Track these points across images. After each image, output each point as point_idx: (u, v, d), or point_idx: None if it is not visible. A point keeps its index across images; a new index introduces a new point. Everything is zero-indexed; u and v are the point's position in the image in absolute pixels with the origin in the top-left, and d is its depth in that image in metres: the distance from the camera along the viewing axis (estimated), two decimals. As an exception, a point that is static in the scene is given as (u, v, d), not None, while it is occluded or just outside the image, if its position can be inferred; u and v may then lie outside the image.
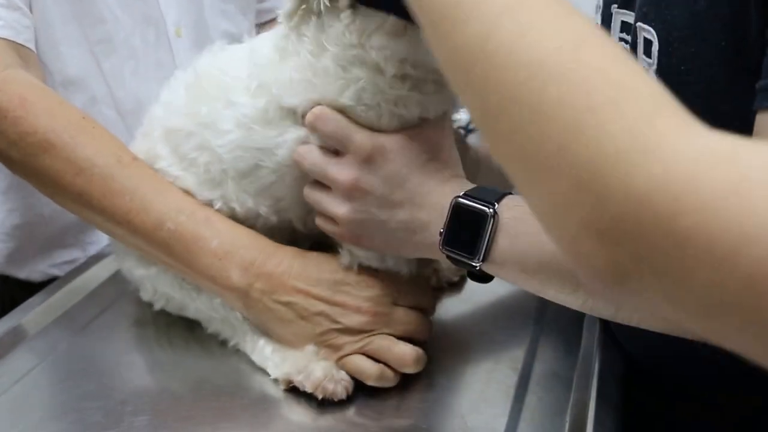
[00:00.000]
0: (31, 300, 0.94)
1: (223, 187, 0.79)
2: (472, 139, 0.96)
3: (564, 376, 0.78)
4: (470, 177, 0.73)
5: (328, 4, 0.67)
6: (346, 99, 0.69)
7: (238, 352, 0.83)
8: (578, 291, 0.63)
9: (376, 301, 0.75)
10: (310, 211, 0.78)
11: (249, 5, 1.28)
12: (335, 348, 0.75)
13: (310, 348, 0.78)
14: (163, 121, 0.82)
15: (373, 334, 0.75)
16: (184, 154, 0.80)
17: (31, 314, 0.90)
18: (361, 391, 0.76)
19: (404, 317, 0.77)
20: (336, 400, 0.74)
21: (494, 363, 0.81)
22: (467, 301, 0.91)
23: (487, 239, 0.64)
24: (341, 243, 0.76)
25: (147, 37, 1.11)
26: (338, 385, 0.75)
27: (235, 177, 0.78)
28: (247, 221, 0.81)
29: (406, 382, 0.78)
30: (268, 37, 0.76)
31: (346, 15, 0.67)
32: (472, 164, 0.86)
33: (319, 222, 0.76)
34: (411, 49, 0.66)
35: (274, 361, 0.79)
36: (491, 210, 0.64)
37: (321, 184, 0.73)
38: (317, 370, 0.75)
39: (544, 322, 0.87)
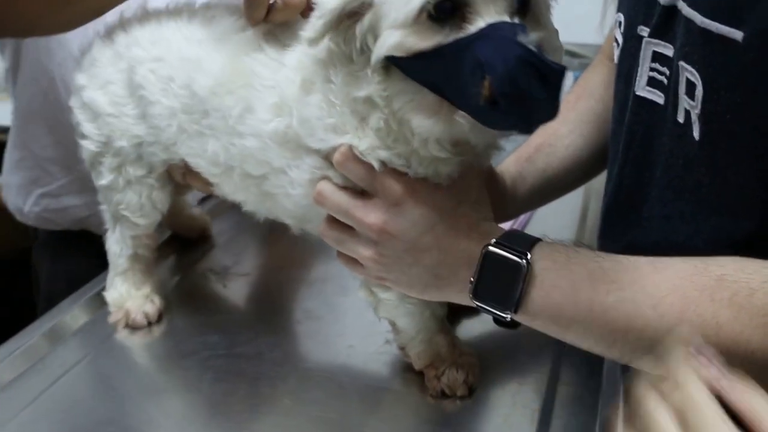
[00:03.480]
0: (40, 319, 0.93)
1: (229, 175, 0.78)
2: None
3: (588, 398, 0.77)
4: (496, 205, 0.72)
5: (358, 55, 0.63)
6: (374, 156, 0.66)
7: (249, 379, 0.81)
8: (614, 346, 0.61)
9: None
10: (310, 221, 0.75)
11: None
12: None
13: (147, 289, 0.93)
14: (191, 79, 0.77)
15: None
16: (196, 120, 0.77)
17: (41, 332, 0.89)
18: (380, 416, 0.75)
19: None
20: (137, 327, 0.91)
21: (518, 385, 0.80)
22: (488, 321, 0.89)
23: (519, 291, 0.62)
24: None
25: None
26: (138, 315, 0.91)
27: (241, 175, 0.77)
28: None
29: (431, 408, 0.77)
30: (299, 53, 0.70)
31: (377, 76, 0.63)
32: (499, 195, 0.83)
33: (341, 260, 0.74)
34: (446, 129, 0.62)
35: (115, 285, 0.93)
36: (524, 261, 0.62)
37: (340, 223, 0.70)
38: (128, 302, 0.92)
39: (565, 342, 0.86)
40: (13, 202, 1.25)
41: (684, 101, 0.63)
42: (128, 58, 0.83)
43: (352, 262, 0.72)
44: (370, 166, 0.66)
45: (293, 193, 0.72)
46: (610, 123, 0.81)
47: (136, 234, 0.92)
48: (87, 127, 0.88)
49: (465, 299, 0.67)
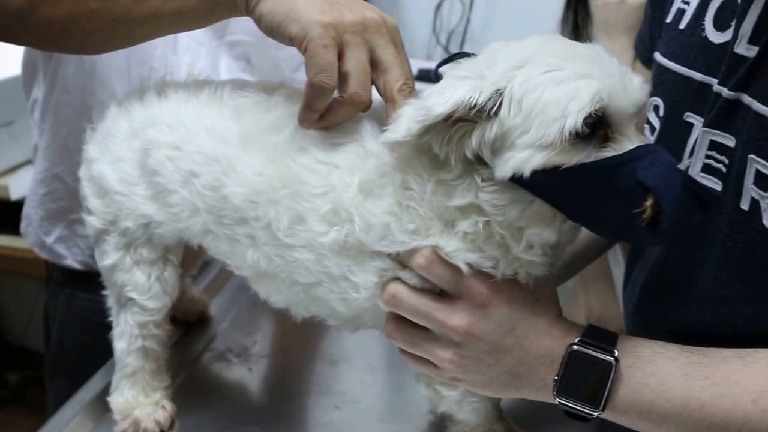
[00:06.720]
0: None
1: (270, 281, 0.76)
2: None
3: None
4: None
5: (458, 162, 0.63)
6: (461, 258, 0.65)
7: None
8: None
9: None
10: (364, 322, 0.75)
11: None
12: None
13: (157, 395, 0.87)
14: (220, 183, 0.73)
15: None
16: (228, 226, 0.73)
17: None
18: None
19: None
20: None
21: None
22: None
23: (607, 389, 0.63)
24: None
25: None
26: (149, 423, 0.84)
27: (287, 282, 0.74)
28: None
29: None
30: (350, 153, 0.68)
31: (490, 185, 0.63)
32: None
33: (406, 358, 0.72)
34: (555, 236, 0.64)
35: (122, 389, 0.86)
36: (612, 358, 0.63)
37: (411, 324, 0.69)
38: (137, 410, 0.85)
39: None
40: (34, 235, 1.22)
41: (751, 190, 0.65)
42: (143, 138, 0.78)
43: (423, 362, 0.71)
44: (455, 269, 0.66)
45: (356, 296, 0.70)
46: None
47: (143, 321, 0.85)
48: (93, 202, 0.83)
49: (543, 397, 0.68)
